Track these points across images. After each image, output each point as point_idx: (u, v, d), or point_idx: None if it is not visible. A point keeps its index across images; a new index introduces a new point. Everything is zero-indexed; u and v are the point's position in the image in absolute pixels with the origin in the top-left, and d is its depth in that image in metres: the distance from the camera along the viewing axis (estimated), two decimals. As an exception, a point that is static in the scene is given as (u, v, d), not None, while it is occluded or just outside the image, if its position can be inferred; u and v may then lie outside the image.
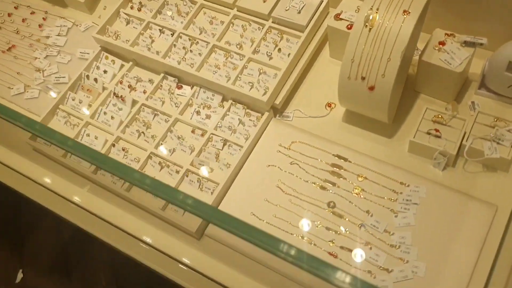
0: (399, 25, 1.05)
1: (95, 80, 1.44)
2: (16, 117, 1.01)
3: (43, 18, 1.65)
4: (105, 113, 1.39)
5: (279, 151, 1.24)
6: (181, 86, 1.39)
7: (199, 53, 1.38)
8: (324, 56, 1.39)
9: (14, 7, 1.70)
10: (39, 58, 1.55)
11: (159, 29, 1.46)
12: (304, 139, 1.25)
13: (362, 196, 1.15)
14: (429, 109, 1.20)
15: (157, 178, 1.24)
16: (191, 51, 1.40)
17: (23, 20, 1.66)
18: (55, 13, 1.65)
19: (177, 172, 1.25)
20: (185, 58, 1.38)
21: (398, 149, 1.22)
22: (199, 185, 1.23)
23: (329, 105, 1.31)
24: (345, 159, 1.20)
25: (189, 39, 1.41)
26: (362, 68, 1.10)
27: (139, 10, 1.52)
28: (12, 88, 1.51)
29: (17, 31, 1.63)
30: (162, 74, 1.41)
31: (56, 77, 1.49)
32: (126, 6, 1.53)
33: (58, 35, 1.59)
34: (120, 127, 1.35)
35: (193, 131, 1.32)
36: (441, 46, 1.18)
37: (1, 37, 1.64)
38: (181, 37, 1.42)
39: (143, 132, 1.33)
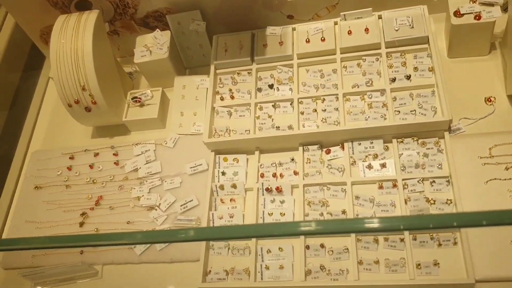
0: None
1: (233, 186, 1.24)
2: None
3: (113, 154, 1.41)
4: (270, 214, 1.19)
5: (486, 163, 1.14)
6: (330, 150, 1.25)
7: (335, 108, 1.25)
8: (443, 60, 1.33)
9: (70, 158, 1.44)
10: (142, 196, 1.31)
11: (271, 105, 1.31)
12: (499, 141, 1.16)
13: None
14: None
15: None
16: (323, 110, 1.26)
17: (91, 167, 1.41)
18: (122, 144, 1.43)
19: (401, 240, 1.09)
20: (325, 119, 1.24)
21: None
22: (436, 242, 1.07)
23: (488, 100, 1.24)
24: (555, 139, 1.13)
25: (313, 100, 1.28)
26: (552, 39, 1.05)
27: (232, 97, 1.35)
28: (134, 246, 1.25)
29: (93, 181, 1.38)
30: (300, 147, 1.26)
31: (181, 205, 1.26)
32: (215, 100, 1.37)
33: (147, 162, 1.36)
34: (297, 220, 1.16)
35: (380, 187, 1.17)
36: None
37: (77, 195, 1.37)
38: (301, 102, 1.29)
39: (329, 213, 1.16)
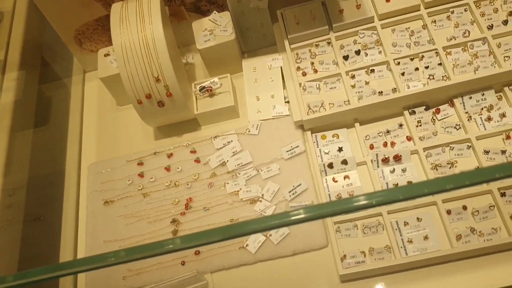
0: None
1: (344, 162, 1.13)
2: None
3: (190, 151, 1.27)
4: (395, 184, 1.09)
5: None
6: (439, 109, 1.16)
7: (438, 63, 1.18)
8: (524, 5, 1.29)
9: (138, 164, 1.28)
10: (240, 190, 1.18)
11: (364, 72, 1.21)
12: None
13: None
14: None
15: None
16: (426, 67, 1.18)
17: (167, 169, 1.26)
18: (196, 140, 1.29)
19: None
20: (432, 76, 1.16)
21: None
22: None
23: None
24: None
25: (410, 59, 1.20)
26: None
27: (316, 71, 1.25)
28: (247, 244, 1.11)
29: (175, 184, 1.23)
30: (405, 112, 1.17)
31: (289, 191, 1.14)
32: (297, 76, 1.26)
33: (234, 153, 1.23)
34: (428, 185, 1.07)
35: (507, 137, 1.10)
36: None
37: (160, 202, 1.22)
38: (398, 63, 1.20)
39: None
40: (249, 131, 1.25)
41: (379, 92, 1.17)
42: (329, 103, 1.20)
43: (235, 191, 1.18)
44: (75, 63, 1.56)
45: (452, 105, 1.16)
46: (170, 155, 1.28)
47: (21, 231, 1.29)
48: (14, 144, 1.37)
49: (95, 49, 1.46)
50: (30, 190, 1.35)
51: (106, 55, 1.35)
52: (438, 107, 1.17)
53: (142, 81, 1.16)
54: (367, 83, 1.20)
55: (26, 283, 0.70)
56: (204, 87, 1.30)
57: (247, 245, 1.11)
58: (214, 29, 1.30)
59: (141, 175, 1.27)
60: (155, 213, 1.21)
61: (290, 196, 1.14)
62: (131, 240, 1.19)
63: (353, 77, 1.22)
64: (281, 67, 1.30)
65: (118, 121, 1.42)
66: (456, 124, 1.13)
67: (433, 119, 1.15)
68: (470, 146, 1.10)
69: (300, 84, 1.23)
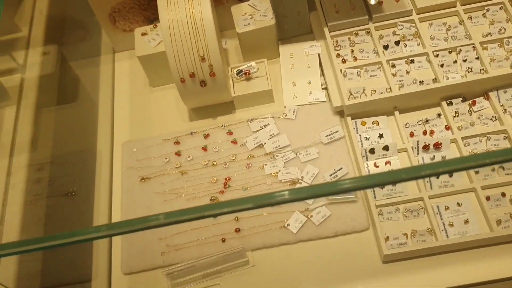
0: None
1: (385, 148, 1.16)
2: None
3: (227, 133, 1.28)
4: (435, 170, 1.12)
5: None
6: (475, 102, 1.20)
7: (476, 57, 1.22)
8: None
9: (175, 143, 1.29)
10: (279, 171, 1.19)
11: (404, 62, 1.25)
12: None
13: None
14: None
15: None
16: (464, 61, 1.22)
17: (204, 149, 1.27)
18: (232, 122, 1.30)
19: None
20: (470, 69, 1.20)
21: None
22: None
23: None
24: None
25: (449, 52, 1.24)
26: None
27: (355, 59, 1.28)
28: (288, 224, 1.13)
29: (212, 163, 1.24)
30: (443, 102, 1.21)
31: (330, 175, 1.16)
32: (336, 62, 1.28)
33: (272, 136, 1.25)
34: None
35: (543, 129, 1.14)
36: None
37: (198, 180, 1.22)
38: (437, 56, 1.24)
39: None
40: (285, 116, 1.27)
41: (420, 82, 1.21)
42: (371, 90, 1.22)
43: (274, 173, 1.19)
44: (104, 42, 1.56)
45: (487, 98, 1.20)
46: (206, 136, 1.29)
47: (50, 205, 1.28)
48: (40, 120, 1.36)
49: (128, 29, 1.46)
50: (59, 165, 1.34)
51: (144, 34, 1.35)
52: (474, 99, 1.21)
53: (187, 59, 1.17)
54: (407, 72, 1.23)
55: (64, 244, 0.70)
56: (241, 71, 1.31)
57: (288, 225, 1.13)
58: (254, 14, 1.32)
59: (178, 153, 1.27)
60: (193, 191, 1.21)
61: (331, 179, 1.16)
62: (168, 217, 1.19)
63: (393, 66, 1.25)
64: (318, 54, 1.33)
65: (151, 102, 1.42)
66: (492, 116, 1.17)
67: (470, 111, 1.19)
68: (507, 137, 1.14)
69: (340, 70, 1.26)
